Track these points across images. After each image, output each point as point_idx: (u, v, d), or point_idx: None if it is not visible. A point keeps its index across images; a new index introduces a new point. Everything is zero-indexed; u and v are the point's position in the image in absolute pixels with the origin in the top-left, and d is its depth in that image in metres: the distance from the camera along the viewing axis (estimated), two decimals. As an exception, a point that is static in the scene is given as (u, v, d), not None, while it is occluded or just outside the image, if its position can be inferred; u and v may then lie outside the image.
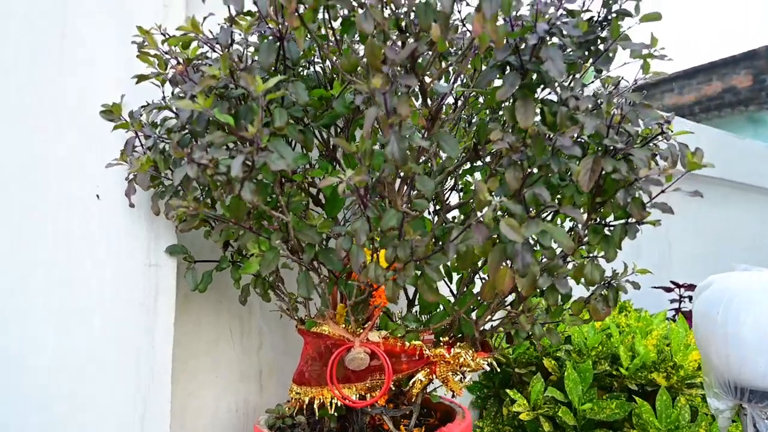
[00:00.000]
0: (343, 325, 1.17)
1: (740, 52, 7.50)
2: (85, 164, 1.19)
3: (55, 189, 1.17)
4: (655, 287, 2.47)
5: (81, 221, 1.19)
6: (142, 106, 1.15)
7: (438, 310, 1.34)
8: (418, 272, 0.98)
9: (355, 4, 0.88)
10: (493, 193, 1.02)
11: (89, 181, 1.20)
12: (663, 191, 0.98)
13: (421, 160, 1.13)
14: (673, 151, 1.06)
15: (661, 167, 0.94)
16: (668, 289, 2.42)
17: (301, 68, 1.20)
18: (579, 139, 1.05)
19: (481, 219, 0.85)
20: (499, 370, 1.85)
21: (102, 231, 1.20)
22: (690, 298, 2.45)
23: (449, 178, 1.33)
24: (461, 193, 1.50)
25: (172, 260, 1.27)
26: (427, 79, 0.98)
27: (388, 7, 0.93)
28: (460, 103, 1.21)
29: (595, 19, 1.08)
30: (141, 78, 1.08)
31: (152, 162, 1.07)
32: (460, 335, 1.25)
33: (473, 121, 1.28)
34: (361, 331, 1.16)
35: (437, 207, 1.42)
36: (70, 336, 1.16)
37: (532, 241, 0.98)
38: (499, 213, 0.87)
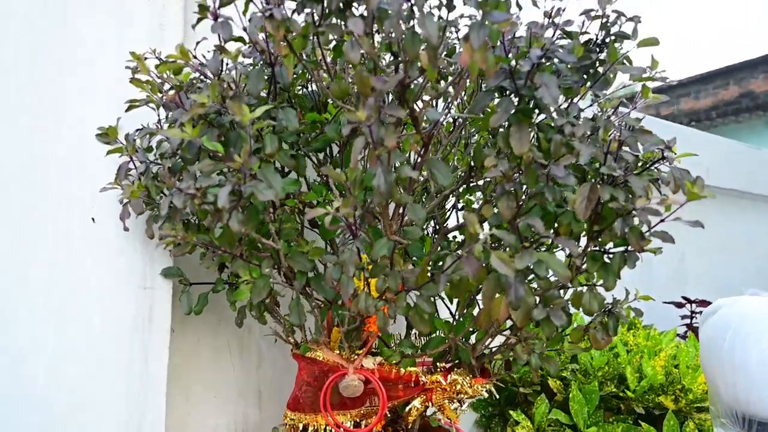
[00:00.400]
0: (338, 351, 1.15)
1: (758, 55, 7.36)
2: (78, 189, 1.19)
3: (52, 208, 1.17)
4: (666, 302, 2.42)
5: (75, 244, 1.18)
6: (137, 129, 1.14)
7: (436, 333, 1.32)
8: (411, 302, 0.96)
9: (344, 30, 0.87)
10: (485, 224, 1.00)
11: (83, 204, 1.20)
12: (662, 220, 0.94)
13: (416, 184, 1.12)
14: (676, 175, 1.03)
15: (660, 197, 0.91)
16: (679, 305, 2.37)
17: (298, 88, 1.19)
18: (578, 164, 1.02)
19: (472, 251, 0.83)
20: (498, 396, 1.82)
21: (96, 253, 1.20)
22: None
23: (451, 195, 1.31)
24: (462, 212, 1.48)
25: (167, 283, 1.26)
26: (422, 102, 0.96)
27: (379, 34, 0.92)
28: (456, 125, 1.19)
29: (592, 41, 1.05)
30: (132, 103, 1.08)
31: (144, 188, 1.06)
32: (457, 360, 1.23)
33: (472, 140, 1.26)
34: (356, 357, 1.15)
35: (437, 227, 1.40)
36: (64, 363, 1.16)
37: (528, 269, 0.96)
38: (491, 243, 0.85)
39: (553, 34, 0.99)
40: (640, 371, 1.72)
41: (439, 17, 0.92)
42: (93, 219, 1.20)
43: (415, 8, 0.80)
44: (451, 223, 1.37)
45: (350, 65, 1.05)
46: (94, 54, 1.24)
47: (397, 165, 0.87)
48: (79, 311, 1.18)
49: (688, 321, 2.36)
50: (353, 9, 0.90)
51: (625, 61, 1.07)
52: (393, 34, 0.80)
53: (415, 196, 1.35)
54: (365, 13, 0.84)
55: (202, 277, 1.34)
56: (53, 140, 1.18)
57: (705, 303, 2.36)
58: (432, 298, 0.98)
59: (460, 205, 1.46)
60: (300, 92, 1.20)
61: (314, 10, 0.89)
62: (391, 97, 1.03)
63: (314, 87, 1.20)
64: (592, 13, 1.07)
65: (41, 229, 1.16)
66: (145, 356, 1.23)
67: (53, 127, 1.19)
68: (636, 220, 0.95)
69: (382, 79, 0.81)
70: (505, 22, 0.77)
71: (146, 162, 1.06)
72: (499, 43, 0.92)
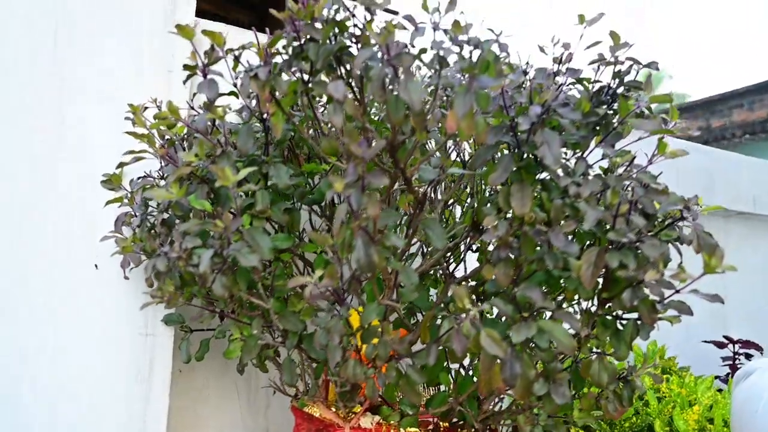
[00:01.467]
0: (334, 409, 1.11)
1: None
2: (82, 236, 1.20)
3: (56, 254, 1.18)
4: (705, 341, 2.27)
5: (76, 290, 1.19)
6: (139, 177, 1.14)
7: (442, 390, 1.26)
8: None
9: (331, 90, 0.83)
10: (484, 285, 0.95)
11: (86, 252, 1.20)
12: (677, 291, 0.86)
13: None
14: (698, 235, 0.95)
15: (678, 263, 0.83)
16: (721, 345, 2.21)
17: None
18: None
19: (460, 328, 0.77)
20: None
21: (97, 300, 1.20)
22: (746, 355, 2.23)
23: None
24: (477, 253, 1.42)
25: (168, 329, 1.25)
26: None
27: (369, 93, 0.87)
28: (457, 179, 1.13)
29: (605, 89, 0.98)
30: (131, 153, 1.07)
31: (139, 240, 1.05)
32: (462, 421, 1.16)
33: (475, 192, 1.20)
34: (353, 416, 1.10)
35: (444, 274, 1.34)
36: (60, 408, 1.16)
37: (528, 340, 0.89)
38: (487, 314, 0.79)
39: (559, 88, 0.92)
40: (671, 425, 1.60)
41: (436, 70, 0.88)
42: (96, 266, 1.20)
43: (400, 71, 0.76)
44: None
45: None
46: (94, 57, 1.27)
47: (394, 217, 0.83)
48: (79, 358, 1.18)
49: (730, 362, 2.21)
50: (343, 67, 0.87)
51: (644, 109, 0.99)
52: (377, 99, 0.75)
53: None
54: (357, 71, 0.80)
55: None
56: (54, 188, 1.20)
57: (750, 344, 2.21)
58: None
59: (474, 246, 1.40)
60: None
61: (302, 69, 0.85)
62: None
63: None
64: (606, 60, 1.00)
65: (46, 276, 1.17)
66: (145, 406, 1.22)
67: (50, 173, 1.20)
68: (647, 290, 0.87)
69: (365, 145, 0.77)
70: (494, 86, 0.72)
71: (140, 214, 1.05)
72: (499, 94, 0.87)
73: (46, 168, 1.21)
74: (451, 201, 1.30)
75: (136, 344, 1.23)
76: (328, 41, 0.83)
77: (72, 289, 1.19)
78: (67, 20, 1.24)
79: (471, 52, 0.73)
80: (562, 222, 0.86)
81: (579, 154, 0.97)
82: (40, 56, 1.22)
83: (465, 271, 1.32)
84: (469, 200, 1.22)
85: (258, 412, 1.55)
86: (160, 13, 1.31)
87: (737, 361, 2.21)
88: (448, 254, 1.30)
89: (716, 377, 2.20)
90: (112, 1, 1.27)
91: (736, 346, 2.23)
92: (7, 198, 1.17)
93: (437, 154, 0.96)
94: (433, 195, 1.26)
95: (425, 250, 1.26)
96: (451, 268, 1.34)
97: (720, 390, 1.98)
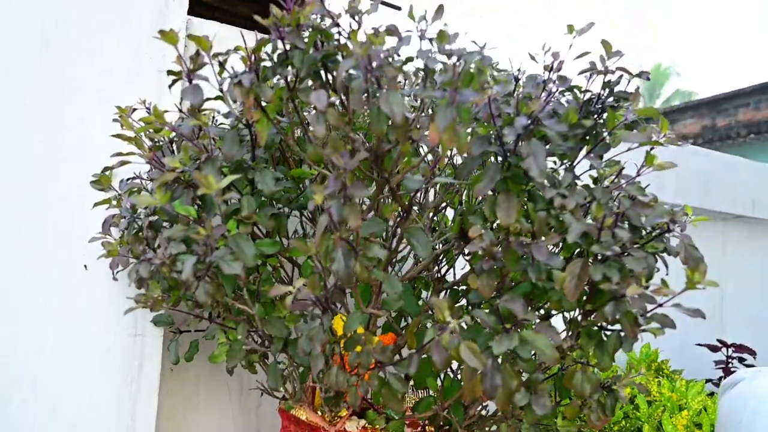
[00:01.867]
0: (320, 413, 1.12)
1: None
2: (81, 237, 1.20)
3: (47, 254, 1.19)
4: (699, 345, 2.27)
5: (66, 290, 1.19)
6: (128, 179, 1.14)
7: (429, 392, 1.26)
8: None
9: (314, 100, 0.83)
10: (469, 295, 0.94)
11: (76, 251, 1.20)
12: (660, 305, 0.86)
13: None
14: (685, 248, 0.94)
15: (657, 284, 0.83)
16: (714, 348, 2.21)
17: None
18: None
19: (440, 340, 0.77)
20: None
21: (87, 300, 1.20)
22: (740, 359, 2.23)
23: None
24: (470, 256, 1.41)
25: (158, 329, 1.26)
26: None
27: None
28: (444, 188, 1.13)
29: (593, 100, 0.98)
30: (119, 155, 1.07)
31: (126, 243, 1.05)
32: (447, 426, 1.17)
33: (464, 199, 1.20)
34: (339, 420, 1.11)
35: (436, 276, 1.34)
36: (59, 408, 1.17)
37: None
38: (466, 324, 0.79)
39: (549, 97, 0.91)
40: (659, 429, 1.61)
41: (425, 78, 0.87)
42: (86, 266, 1.20)
43: (383, 81, 0.75)
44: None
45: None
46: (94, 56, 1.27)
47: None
48: (72, 358, 1.19)
49: (723, 366, 2.21)
50: (330, 74, 0.86)
51: (635, 119, 0.98)
52: (358, 111, 0.75)
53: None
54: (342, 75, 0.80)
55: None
56: (54, 188, 1.20)
57: (743, 348, 2.20)
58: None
59: (466, 250, 1.39)
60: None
61: (287, 76, 0.85)
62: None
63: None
64: (596, 70, 0.99)
65: (36, 275, 1.17)
66: (134, 406, 1.22)
67: (50, 173, 1.20)
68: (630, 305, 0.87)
69: (347, 156, 0.77)
70: (476, 99, 0.71)
71: (129, 217, 1.05)
72: (486, 104, 0.86)
73: (46, 168, 1.21)
74: (444, 204, 1.30)
75: (125, 345, 1.23)
76: (313, 48, 0.83)
77: (71, 289, 1.20)
78: (65, 20, 1.23)
79: (455, 64, 0.73)
80: (547, 234, 0.85)
81: (568, 164, 0.97)
82: (39, 56, 1.21)
83: (455, 276, 1.32)
84: (459, 206, 1.21)
85: (249, 412, 1.55)
86: (156, 13, 1.30)
87: (730, 365, 2.21)
88: (441, 257, 1.30)
89: (709, 381, 2.20)
90: (111, 1, 1.27)
91: (730, 350, 2.23)
92: (7, 198, 1.18)
93: (425, 161, 0.95)
94: (423, 200, 1.25)
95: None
96: (443, 270, 1.35)
97: (711, 394, 1.99)
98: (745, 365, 2.27)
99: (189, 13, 1.36)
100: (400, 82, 0.83)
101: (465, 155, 1.04)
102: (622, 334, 0.92)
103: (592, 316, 0.93)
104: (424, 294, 1.39)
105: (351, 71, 0.78)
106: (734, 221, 2.74)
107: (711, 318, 2.58)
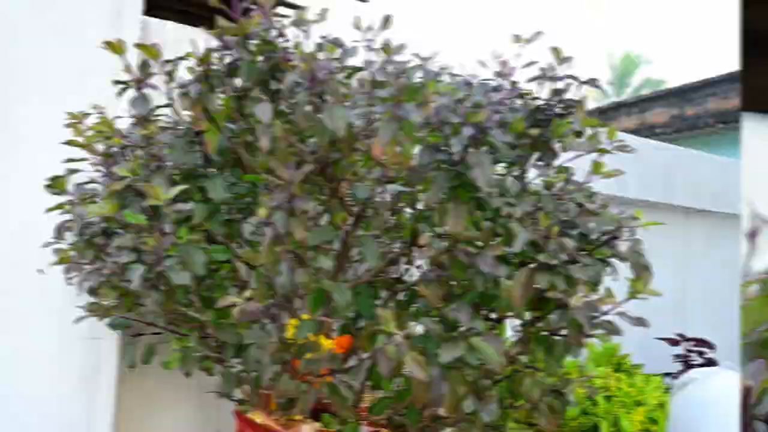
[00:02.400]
0: (275, 416, 1.12)
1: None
2: (27, 240, 1.18)
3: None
4: (658, 338, 2.32)
5: (21, 293, 1.18)
6: (79, 184, 1.12)
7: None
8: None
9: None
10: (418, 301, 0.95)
11: (31, 255, 1.18)
12: (606, 313, 0.88)
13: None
14: (632, 251, 0.97)
15: (601, 295, 0.85)
16: (674, 342, 2.27)
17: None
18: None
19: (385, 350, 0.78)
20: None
21: (43, 304, 1.19)
22: (699, 353, 2.29)
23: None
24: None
25: (115, 333, 1.25)
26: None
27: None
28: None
29: (543, 109, 0.99)
30: (71, 161, 1.05)
31: (80, 248, 1.04)
32: (402, 427, 1.18)
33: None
34: (293, 422, 1.11)
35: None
36: (12, 407, 1.15)
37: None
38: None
39: (498, 104, 0.92)
40: (617, 425, 1.65)
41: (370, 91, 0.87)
42: (43, 270, 1.19)
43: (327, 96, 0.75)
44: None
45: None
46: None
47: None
48: (25, 363, 1.17)
49: (682, 360, 2.27)
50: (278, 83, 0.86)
51: (585, 128, 1.00)
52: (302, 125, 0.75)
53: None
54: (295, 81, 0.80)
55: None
56: (7, 191, 1.18)
57: (702, 342, 2.26)
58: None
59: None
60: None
61: (235, 86, 0.85)
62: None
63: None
64: (545, 76, 1.00)
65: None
66: (91, 409, 1.22)
67: (2, 175, 1.18)
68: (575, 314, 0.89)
69: (292, 167, 0.77)
70: (418, 116, 0.72)
71: (80, 223, 1.04)
72: (433, 114, 0.87)
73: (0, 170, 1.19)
74: (401, 204, 1.30)
75: (82, 348, 1.22)
76: (260, 59, 0.83)
77: (27, 293, 1.19)
78: (16, 18, 1.20)
79: (398, 78, 0.73)
80: (492, 243, 0.87)
81: (517, 172, 0.98)
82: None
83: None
84: (414, 209, 1.22)
85: (210, 412, 1.55)
86: (112, 13, 1.28)
87: (689, 359, 2.27)
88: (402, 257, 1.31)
89: (669, 374, 2.25)
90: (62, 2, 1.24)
91: (690, 343, 2.29)
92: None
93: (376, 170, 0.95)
94: (381, 198, 1.25)
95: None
96: (403, 269, 1.36)
97: (669, 389, 2.04)
98: (705, 359, 2.33)
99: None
100: (347, 92, 0.83)
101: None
102: (569, 339, 0.94)
103: (540, 323, 0.95)
104: (385, 293, 1.40)
105: (296, 83, 0.78)
106: (695, 215, 2.80)
107: (674, 312, 2.64)
